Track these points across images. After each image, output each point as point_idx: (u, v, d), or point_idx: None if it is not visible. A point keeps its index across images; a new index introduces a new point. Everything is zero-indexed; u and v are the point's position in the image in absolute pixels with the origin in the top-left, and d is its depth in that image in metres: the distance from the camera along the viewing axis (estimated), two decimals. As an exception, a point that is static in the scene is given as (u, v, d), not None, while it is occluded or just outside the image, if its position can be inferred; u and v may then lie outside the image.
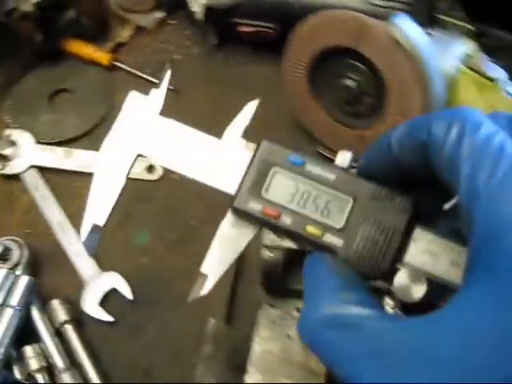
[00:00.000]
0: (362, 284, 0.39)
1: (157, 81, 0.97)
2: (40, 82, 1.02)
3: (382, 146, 0.41)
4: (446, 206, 0.42)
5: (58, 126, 0.97)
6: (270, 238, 0.69)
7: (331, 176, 0.41)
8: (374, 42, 0.75)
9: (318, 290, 0.38)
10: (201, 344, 0.75)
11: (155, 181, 0.91)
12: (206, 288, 0.43)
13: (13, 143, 0.95)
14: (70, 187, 0.92)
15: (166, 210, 0.88)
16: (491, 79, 0.80)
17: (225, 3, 0.92)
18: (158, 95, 0.47)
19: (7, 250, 0.83)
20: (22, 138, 0.95)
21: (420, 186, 0.41)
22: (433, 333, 0.33)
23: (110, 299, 0.82)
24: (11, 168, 0.93)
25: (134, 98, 0.47)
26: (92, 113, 0.98)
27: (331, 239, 0.40)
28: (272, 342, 0.70)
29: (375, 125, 0.82)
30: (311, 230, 0.41)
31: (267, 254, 0.69)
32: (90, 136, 0.97)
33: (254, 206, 0.42)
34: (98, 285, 0.82)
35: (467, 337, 0.31)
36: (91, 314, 0.80)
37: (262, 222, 0.42)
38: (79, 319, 0.80)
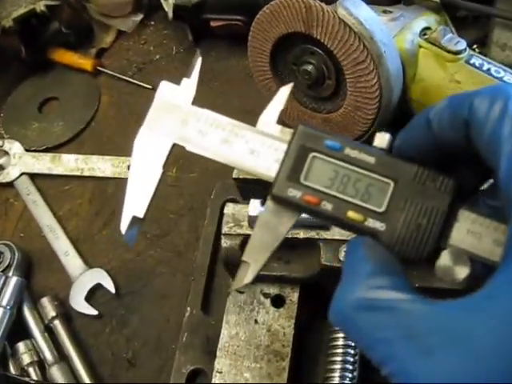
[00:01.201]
0: (399, 269, 0.38)
1: (139, 82, 1.02)
2: (30, 92, 1.07)
3: (419, 123, 0.40)
4: (486, 185, 0.42)
5: (47, 134, 1.02)
6: (228, 226, 0.72)
7: (370, 159, 0.40)
8: (324, 26, 0.76)
9: (354, 273, 0.37)
10: (180, 332, 0.78)
11: (136, 178, 0.94)
12: (250, 276, 0.42)
13: (5, 153, 1.00)
14: (60, 191, 0.97)
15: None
16: (453, 52, 0.80)
17: (191, 0, 0.94)
18: (190, 84, 0.47)
19: (0, 253, 0.88)
20: (14, 147, 1.00)
21: (458, 164, 0.40)
22: (469, 318, 0.32)
23: (95, 294, 0.86)
24: (5, 176, 0.98)
25: (165, 87, 0.46)
26: (78, 118, 1.03)
27: (373, 224, 0.39)
28: (239, 326, 0.72)
29: (339, 107, 0.83)
30: (352, 215, 0.40)
31: (225, 241, 0.71)
32: (77, 140, 1.01)
33: (294, 193, 0.40)
34: (84, 281, 0.86)
35: (504, 324, 0.31)
36: (78, 309, 0.84)
37: (302, 209, 0.41)
38: (67, 315, 0.85)
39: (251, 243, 0.42)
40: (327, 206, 0.40)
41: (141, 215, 0.45)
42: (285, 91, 0.46)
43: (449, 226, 0.39)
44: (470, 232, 0.38)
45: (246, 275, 0.42)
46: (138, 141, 0.45)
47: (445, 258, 0.38)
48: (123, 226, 0.45)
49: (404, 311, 0.34)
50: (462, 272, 0.38)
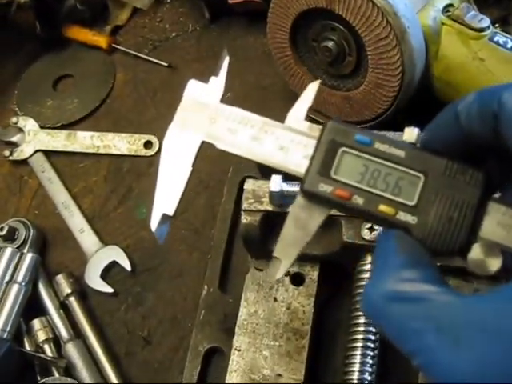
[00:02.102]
0: (430, 261, 0.38)
1: (155, 60, 1.01)
2: (44, 69, 1.06)
3: (448, 116, 0.40)
4: None
5: (62, 111, 1.01)
6: (248, 202, 0.71)
7: (400, 153, 0.40)
8: (347, 0, 0.75)
9: (386, 266, 0.37)
10: (196, 310, 0.78)
11: (152, 156, 0.93)
12: (281, 272, 0.42)
13: (20, 130, 0.99)
14: (74, 168, 0.96)
15: (163, 184, 0.91)
16: (477, 29, 0.79)
17: (210, -24, 0.93)
18: (218, 82, 0.47)
19: (15, 230, 0.87)
20: (28, 124, 0.99)
21: (486, 157, 0.40)
22: (502, 309, 0.32)
23: (111, 272, 0.85)
24: (19, 154, 0.98)
25: (193, 86, 0.47)
26: (93, 95, 1.02)
27: (405, 217, 0.39)
28: (258, 304, 0.71)
29: (359, 85, 0.82)
30: (384, 208, 0.40)
31: (245, 217, 0.70)
32: (92, 118, 1.00)
33: (325, 188, 0.40)
34: (100, 259, 0.86)
35: None
36: (93, 287, 0.84)
37: (334, 204, 0.41)
38: (83, 292, 0.84)
39: (282, 239, 0.42)
40: (358, 200, 0.40)
41: (171, 213, 0.45)
42: (312, 88, 0.45)
43: (479, 218, 0.39)
44: (501, 224, 0.38)
45: (278, 271, 0.42)
46: (167, 139, 0.45)
47: (476, 251, 0.38)
48: (153, 224, 0.45)
49: (435, 303, 0.34)
50: (494, 264, 0.38)
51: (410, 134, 0.42)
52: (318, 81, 0.46)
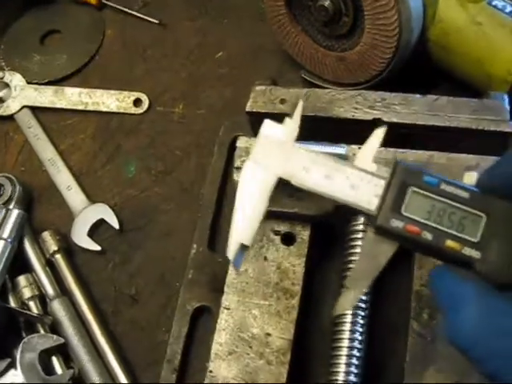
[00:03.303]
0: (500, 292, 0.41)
1: (145, 17, 0.98)
2: (32, 24, 1.04)
3: (509, 161, 0.44)
4: None
5: (49, 66, 0.99)
6: (240, 159, 0.70)
7: (465, 194, 0.44)
8: (345, -42, 0.73)
9: (465, 300, 0.40)
10: (185, 269, 0.77)
11: (141, 114, 0.92)
12: (351, 302, 0.47)
13: (6, 85, 0.97)
14: (62, 125, 0.94)
15: (153, 142, 0.89)
16: (475, -8, 0.78)
17: None
18: (293, 124, 0.51)
19: (0, 186, 0.86)
20: (15, 79, 0.97)
21: None
22: None
23: (98, 230, 0.84)
24: (5, 109, 0.96)
25: (269, 125, 0.51)
26: (82, 51, 0.99)
27: (469, 252, 0.43)
28: (248, 263, 0.71)
29: (355, 45, 0.81)
30: (451, 243, 0.44)
31: (237, 175, 0.69)
32: (81, 74, 0.98)
33: (396, 223, 0.45)
34: (87, 216, 0.84)
35: None
36: (80, 244, 0.83)
37: (404, 239, 0.45)
38: (69, 250, 0.83)
39: (354, 271, 0.48)
40: (427, 236, 0.44)
41: (248, 243, 0.49)
42: (379, 133, 0.49)
43: None
44: None
45: (348, 301, 0.46)
46: (245, 173, 0.49)
47: None
48: (231, 253, 0.49)
49: None
50: None
51: (471, 178, 0.48)
52: (384, 127, 0.50)
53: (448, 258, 0.44)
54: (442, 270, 0.44)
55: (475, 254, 0.43)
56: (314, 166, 0.48)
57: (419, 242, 0.44)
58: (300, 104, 0.52)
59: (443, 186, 0.45)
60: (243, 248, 0.49)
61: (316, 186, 0.48)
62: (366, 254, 0.46)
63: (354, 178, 0.47)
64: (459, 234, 0.44)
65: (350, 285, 0.47)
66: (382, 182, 0.46)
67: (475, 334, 0.38)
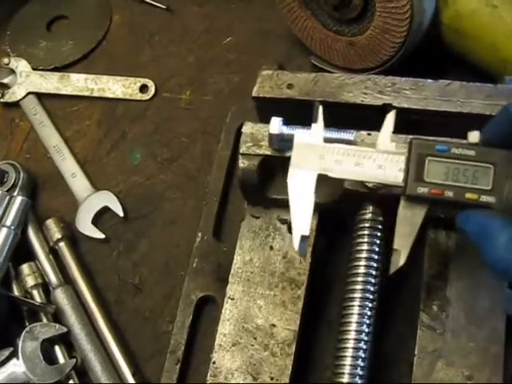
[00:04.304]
0: None
1: (153, 2, 0.96)
2: (38, 9, 1.02)
3: (502, 117, 0.51)
4: None
5: (55, 53, 0.97)
6: (246, 145, 0.68)
7: (471, 152, 0.53)
8: None
9: (494, 229, 0.48)
10: (189, 258, 0.75)
11: (147, 100, 0.90)
12: (402, 260, 0.55)
13: (12, 71, 0.96)
14: (67, 111, 0.93)
15: (159, 129, 0.88)
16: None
17: None
18: (319, 127, 0.59)
19: (4, 173, 0.85)
20: (20, 65, 0.96)
21: None
22: None
23: (103, 218, 0.83)
24: (11, 96, 0.94)
25: (301, 135, 0.59)
26: (88, 37, 0.98)
27: (486, 199, 0.52)
28: (253, 252, 0.69)
29: (365, 29, 0.78)
30: (470, 195, 0.52)
31: (243, 161, 0.67)
32: (87, 60, 0.97)
33: (422, 190, 0.54)
34: (91, 204, 0.83)
35: None
36: (84, 232, 0.82)
37: (430, 200, 0.54)
38: (73, 238, 0.82)
39: (397, 235, 0.55)
40: (449, 194, 0.53)
41: (307, 233, 0.57)
42: (390, 118, 0.58)
43: None
44: None
45: (400, 259, 0.55)
46: (290, 178, 0.58)
47: None
48: (296, 244, 0.57)
49: None
50: None
51: (474, 136, 0.54)
52: (394, 111, 0.59)
53: (471, 206, 0.52)
54: (467, 213, 0.52)
55: (491, 199, 0.52)
56: (345, 158, 0.57)
57: (443, 200, 0.53)
58: (320, 109, 0.60)
59: (453, 150, 0.53)
60: (305, 238, 0.57)
61: (350, 174, 0.57)
62: (403, 219, 0.55)
63: (380, 160, 0.56)
64: (475, 186, 0.52)
65: (397, 246, 0.55)
66: (403, 158, 0.55)
67: (508, 254, 0.46)
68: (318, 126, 0.59)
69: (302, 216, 0.57)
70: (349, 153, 0.57)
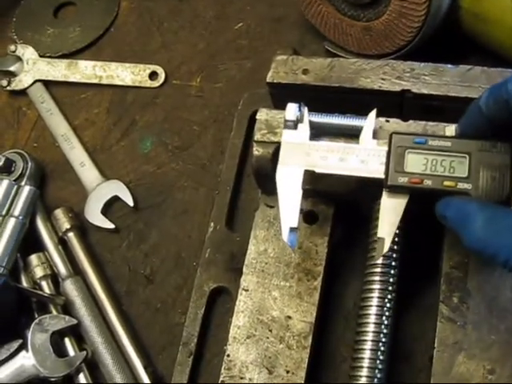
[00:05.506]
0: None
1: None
2: (45, -4, 1.00)
3: (473, 111, 0.54)
4: None
5: (63, 39, 0.96)
6: (260, 133, 0.66)
7: (447, 143, 0.56)
8: None
9: (470, 212, 0.50)
10: (202, 249, 0.74)
11: (157, 87, 0.88)
12: (386, 247, 0.56)
13: (18, 59, 0.94)
14: (76, 99, 0.91)
15: (169, 117, 0.86)
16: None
17: None
18: (304, 127, 0.61)
19: (12, 162, 0.83)
20: (27, 52, 0.94)
21: (508, 133, 0.54)
22: None
23: (112, 207, 0.81)
24: (17, 84, 0.93)
25: (288, 134, 0.61)
26: (96, 24, 0.96)
27: (463, 185, 0.55)
28: (268, 242, 0.68)
29: (381, 14, 0.76)
30: (448, 183, 0.55)
31: (257, 149, 0.65)
32: (95, 47, 0.95)
33: (402, 180, 0.56)
34: (101, 193, 0.82)
35: None
36: (94, 222, 0.80)
37: (410, 189, 0.56)
38: (82, 228, 0.80)
39: (381, 223, 0.57)
40: (428, 182, 0.56)
41: (295, 225, 0.59)
42: (372, 116, 0.60)
43: None
44: None
45: (384, 247, 0.56)
46: (279, 174, 0.60)
47: None
48: (285, 236, 0.59)
49: None
50: None
51: (450, 130, 0.59)
52: (374, 110, 0.60)
53: (448, 195, 0.54)
54: (446, 199, 0.54)
55: (467, 185, 0.55)
56: (329, 154, 0.59)
57: (423, 189, 0.56)
58: (306, 110, 0.61)
59: (430, 142, 0.57)
60: (293, 229, 0.59)
61: (334, 169, 0.59)
62: (386, 209, 0.57)
63: (362, 155, 0.59)
64: (452, 175, 0.55)
65: (381, 235, 0.56)
66: (384, 153, 0.58)
67: (484, 235, 0.48)
68: (304, 125, 0.61)
69: (291, 209, 0.59)
70: (333, 149, 0.59)
